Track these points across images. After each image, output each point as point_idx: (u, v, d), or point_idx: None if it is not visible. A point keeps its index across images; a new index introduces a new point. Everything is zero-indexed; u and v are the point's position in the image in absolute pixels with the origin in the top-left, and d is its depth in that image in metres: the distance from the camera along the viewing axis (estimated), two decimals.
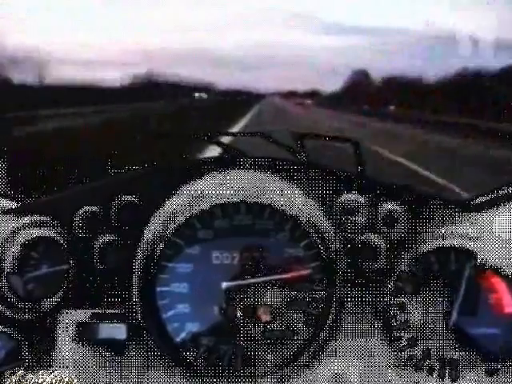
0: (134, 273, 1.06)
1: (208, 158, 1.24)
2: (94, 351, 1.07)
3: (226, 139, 1.26)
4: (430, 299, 1.08)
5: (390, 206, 1.10)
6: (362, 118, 20.86)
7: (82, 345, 1.07)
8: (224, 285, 1.07)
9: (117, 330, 1.05)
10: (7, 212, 1.15)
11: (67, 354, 1.07)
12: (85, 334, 1.06)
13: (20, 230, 1.12)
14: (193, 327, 1.07)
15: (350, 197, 1.11)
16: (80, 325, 1.07)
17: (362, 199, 1.10)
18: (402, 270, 1.08)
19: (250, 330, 1.06)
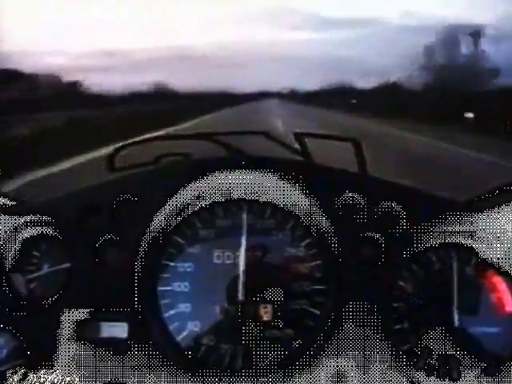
0: (136, 272, 1.06)
1: (210, 157, 1.24)
2: (96, 351, 1.07)
3: (227, 138, 1.26)
4: (430, 298, 1.08)
5: (390, 206, 1.11)
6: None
7: (84, 344, 1.07)
8: (225, 284, 1.07)
9: (118, 329, 1.05)
10: (8, 211, 1.16)
11: (69, 353, 1.07)
12: (86, 333, 1.06)
13: (21, 228, 1.12)
14: (194, 326, 1.07)
15: (351, 196, 1.11)
16: (81, 324, 1.06)
17: (362, 198, 1.11)
18: (402, 269, 1.09)
19: (251, 329, 1.06)
